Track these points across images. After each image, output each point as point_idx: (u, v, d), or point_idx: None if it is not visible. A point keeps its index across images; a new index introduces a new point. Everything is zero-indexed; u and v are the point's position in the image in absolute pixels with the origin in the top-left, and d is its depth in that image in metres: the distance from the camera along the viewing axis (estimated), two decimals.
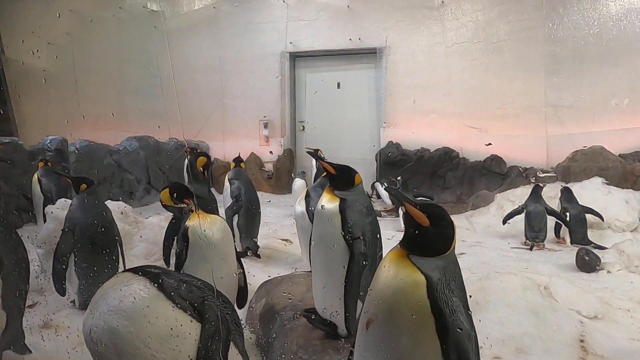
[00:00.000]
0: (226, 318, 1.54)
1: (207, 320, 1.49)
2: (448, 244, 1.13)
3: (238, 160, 4.06)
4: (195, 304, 1.49)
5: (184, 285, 1.47)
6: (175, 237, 2.41)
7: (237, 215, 3.54)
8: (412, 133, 7.58)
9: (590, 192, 5.07)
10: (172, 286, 1.45)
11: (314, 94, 8.35)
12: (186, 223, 2.15)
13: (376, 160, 7.68)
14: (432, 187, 7.38)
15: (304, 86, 8.56)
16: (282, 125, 8.26)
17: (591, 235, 4.63)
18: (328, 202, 1.80)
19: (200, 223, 2.13)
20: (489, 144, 7.27)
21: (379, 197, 6.95)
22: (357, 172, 1.88)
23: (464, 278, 3.10)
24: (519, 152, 7.21)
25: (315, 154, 2.19)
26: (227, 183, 3.67)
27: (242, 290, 2.12)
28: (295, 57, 8.39)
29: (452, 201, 7.19)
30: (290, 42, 7.99)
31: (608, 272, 3.48)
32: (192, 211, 2.22)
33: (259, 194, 7.46)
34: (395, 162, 7.43)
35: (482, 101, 7.46)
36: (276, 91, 8.21)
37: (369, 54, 7.86)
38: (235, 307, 2.16)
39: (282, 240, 4.52)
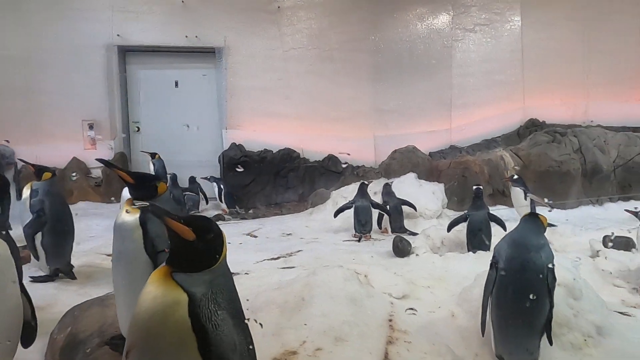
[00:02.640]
0: None
1: None
2: (216, 256, 1.11)
3: (46, 170, 3.38)
4: None
5: None
6: None
7: (40, 233, 3.01)
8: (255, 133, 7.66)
9: (407, 186, 5.81)
10: None
11: (139, 93, 7.75)
12: None
13: (219, 163, 7.52)
14: (276, 187, 7.57)
15: (137, 84, 7.87)
16: (112, 127, 7.44)
17: (408, 224, 5.31)
18: (127, 215, 1.63)
19: None
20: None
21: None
22: (160, 180, 1.75)
23: (296, 276, 3.20)
24: (353, 152, 7.90)
25: (107, 161, 1.95)
26: (25, 195, 3.10)
27: (29, 326, 1.78)
28: (125, 52, 7.66)
29: (295, 200, 7.49)
30: (118, 35, 7.24)
31: (417, 255, 4.01)
32: None
33: (85, 203, 6.68)
34: (239, 164, 7.38)
35: (319, 105, 7.94)
36: (103, 88, 7.35)
37: (208, 53, 7.64)
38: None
39: (108, 255, 4.04)
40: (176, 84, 7.92)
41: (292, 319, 2.58)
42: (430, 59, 8.07)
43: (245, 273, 3.60)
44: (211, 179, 6.61)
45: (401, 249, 3.98)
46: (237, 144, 7.51)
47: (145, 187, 1.68)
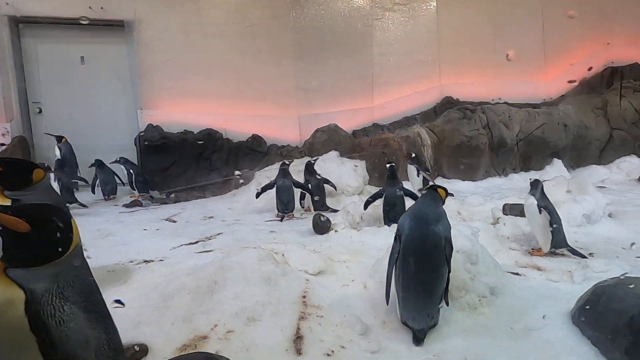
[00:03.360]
0: None
1: None
2: (63, 246, 1.03)
3: None
4: None
5: None
6: None
7: None
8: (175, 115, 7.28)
9: (329, 163, 5.90)
10: None
11: (38, 70, 7.00)
12: None
13: (136, 146, 7.08)
14: (199, 169, 7.30)
15: (36, 60, 7.09)
16: (7, 108, 6.67)
17: (330, 201, 5.41)
18: None
19: None
20: None
21: None
22: (37, 167, 1.58)
23: (214, 259, 3.12)
24: (277, 131, 7.83)
25: None
26: None
27: None
28: (19, 23, 6.84)
29: (220, 182, 7.30)
30: (7, 3, 6.43)
31: (336, 231, 4.11)
32: None
33: None
34: (157, 147, 7.01)
35: (241, 83, 7.71)
36: None
37: (116, 27, 7.05)
38: None
39: None
40: (82, 59, 7.26)
41: (204, 303, 2.53)
42: (352, 38, 8.13)
43: (160, 260, 3.46)
44: (121, 160, 6.17)
45: (321, 226, 4.05)
46: (155, 125, 7.11)
47: (16, 174, 1.50)
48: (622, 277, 2.38)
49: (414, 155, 5.57)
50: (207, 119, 7.41)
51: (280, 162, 5.12)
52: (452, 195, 2.92)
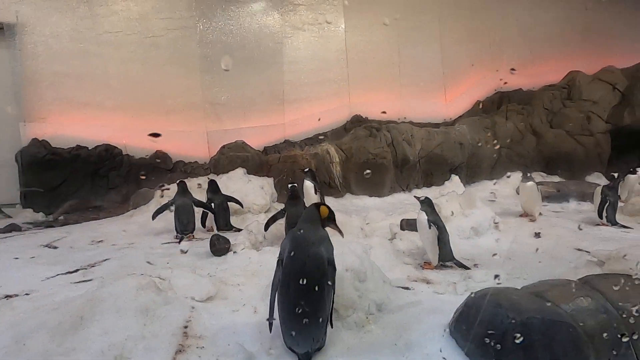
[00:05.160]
0: None
1: None
2: None
3: None
4: None
5: None
6: None
7: None
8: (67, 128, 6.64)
9: (235, 181, 5.73)
10: None
11: None
12: None
13: (17, 162, 6.31)
14: (95, 187, 6.72)
15: None
16: None
17: (236, 220, 5.23)
18: None
19: None
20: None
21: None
22: None
23: (87, 291, 2.80)
24: (185, 147, 7.49)
25: None
26: None
27: None
28: None
29: (118, 201, 6.77)
30: None
31: (234, 252, 3.95)
32: None
33: None
34: (43, 163, 6.32)
35: (146, 96, 7.30)
36: None
37: None
38: None
39: None
40: None
41: (65, 342, 2.24)
42: (262, 54, 8.12)
43: (26, 294, 3.05)
44: None
45: (218, 248, 3.87)
46: (41, 139, 6.41)
47: None
48: (497, 282, 2.55)
49: (307, 169, 5.49)
50: (105, 134, 6.88)
51: (178, 180, 4.85)
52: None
